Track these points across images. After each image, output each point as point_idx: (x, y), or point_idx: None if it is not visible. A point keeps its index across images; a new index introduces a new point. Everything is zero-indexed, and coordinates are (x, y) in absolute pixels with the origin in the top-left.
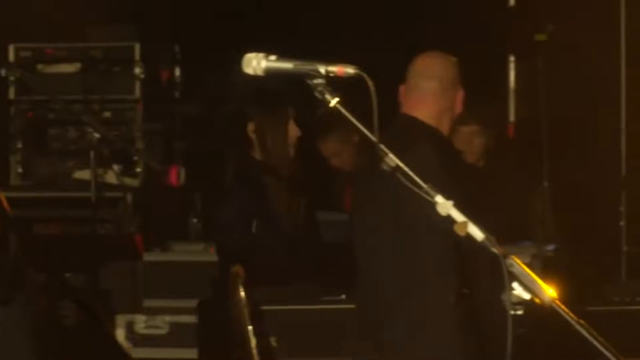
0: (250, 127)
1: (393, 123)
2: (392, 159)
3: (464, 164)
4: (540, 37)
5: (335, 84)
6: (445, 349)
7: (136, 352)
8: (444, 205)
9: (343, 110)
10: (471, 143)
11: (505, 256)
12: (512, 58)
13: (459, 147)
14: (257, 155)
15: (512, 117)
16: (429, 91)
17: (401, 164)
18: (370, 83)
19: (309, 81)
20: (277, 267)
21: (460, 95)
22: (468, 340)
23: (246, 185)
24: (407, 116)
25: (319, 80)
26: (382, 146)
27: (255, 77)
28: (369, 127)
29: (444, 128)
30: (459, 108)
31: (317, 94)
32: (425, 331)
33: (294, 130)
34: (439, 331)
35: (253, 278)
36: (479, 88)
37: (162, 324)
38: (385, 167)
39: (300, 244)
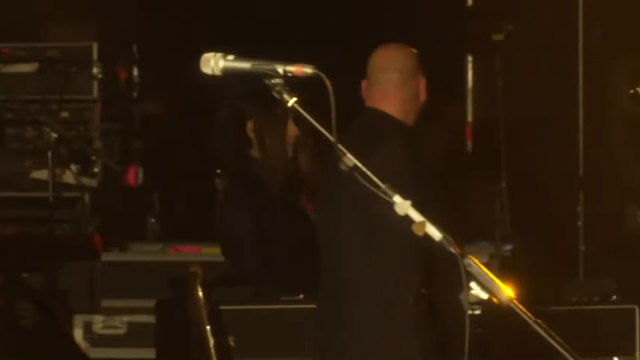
0: (249, 126)
1: (361, 117)
2: (350, 159)
3: (430, 160)
4: (498, 36)
5: (293, 83)
6: (405, 349)
7: (94, 352)
8: (402, 205)
9: (301, 110)
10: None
11: (463, 256)
12: (469, 58)
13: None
14: (256, 154)
15: (470, 118)
16: (390, 83)
17: (359, 164)
18: (328, 83)
19: (266, 81)
20: (283, 272)
21: (422, 83)
22: (427, 340)
23: (245, 184)
24: (375, 110)
25: (277, 80)
26: (340, 146)
27: (252, 76)
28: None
29: (410, 119)
30: (423, 96)
31: (275, 94)
32: (385, 331)
33: (292, 130)
34: (398, 331)
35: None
36: (437, 88)
37: (120, 324)
38: (343, 167)
39: (301, 244)
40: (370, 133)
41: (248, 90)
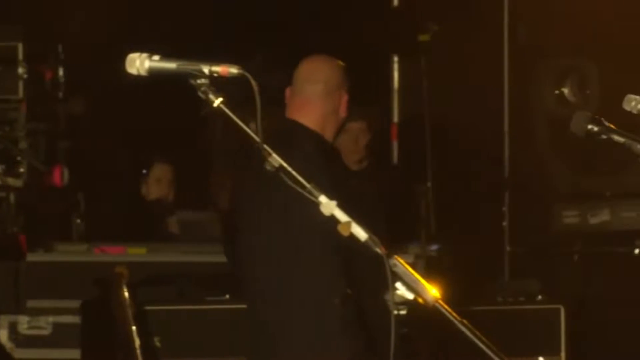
0: (252, 127)
1: (277, 127)
2: (276, 159)
3: (345, 168)
4: (424, 37)
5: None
6: (334, 349)
7: (19, 353)
8: (328, 205)
9: (227, 111)
10: (357, 141)
11: (389, 256)
12: (395, 58)
13: (347, 145)
14: None
15: (395, 118)
16: (313, 95)
17: (285, 164)
18: (253, 83)
19: (192, 81)
20: None
21: (344, 99)
22: (356, 340)
23: None
24: (290, 120)
25: (203, 81)
26: (266, 146)
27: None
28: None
29: (328, 132)
30: (343, 112)
31: (200, 94)
32: (314, 332)
33: None
34: (327, 331)
35: None
36: (363, 88)
37: (45, 325)
38: (268, 167)
39: None
40: (284, 141)
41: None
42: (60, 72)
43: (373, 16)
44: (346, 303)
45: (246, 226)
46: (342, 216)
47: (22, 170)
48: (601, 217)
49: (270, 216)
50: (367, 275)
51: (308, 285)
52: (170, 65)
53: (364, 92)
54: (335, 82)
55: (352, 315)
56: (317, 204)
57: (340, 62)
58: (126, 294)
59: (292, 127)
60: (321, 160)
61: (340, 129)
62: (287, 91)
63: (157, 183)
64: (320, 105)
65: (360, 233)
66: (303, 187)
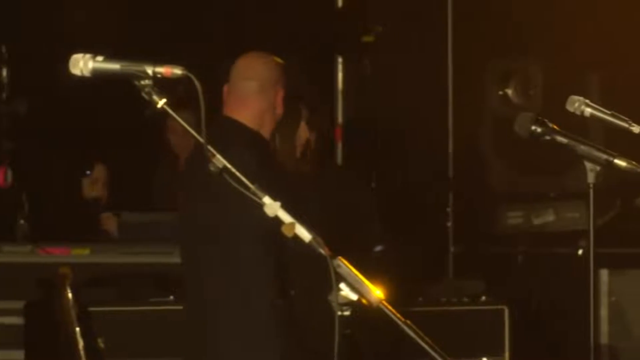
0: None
1: (214, 125)
2: (220, 160)
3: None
4: (368, 38)
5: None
6: (264, 350)
7: None
8: (272, 207)
9: (170, 112)
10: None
11: (333, 257)
12: (339, 59)
13: (293, 150)
14: None
15: (340, 119)
16: (248, 91)
17: (229, 165)
18: (197, 84)
19: (136, 82)
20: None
21: (280, 95)
22: (290, 342)
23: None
24: (226, 118)
25: (147, 82)
26: (210, 147)
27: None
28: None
29: (266, 129)
30: (279, 109)
31: (144, 95)
32: (246, 333)
33: (303, 132)
34: (259, 333)
35: None
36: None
37: None
38: (212, 168)
39: None
40: (220, 140)
41: None
42: (4, 72)
43: (317, 17)
44: (287, 304)
45: (183, 227)
46: (286, 217)
47: None
48: (545, 217)
49: (204, 217)
50: (311, 276)
51: (237, 286)
52: (114, 66)
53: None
54: (270, 79)
55: (286, 316)
56: (260, 205)
57: (277, 59)
58: (70, 294)
59: (228, 125)
60: (257, 159)
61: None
62: (225, 88)
63: (95, 183)
64: (256, 102)
65: (304, 234)
66: (247, 188)
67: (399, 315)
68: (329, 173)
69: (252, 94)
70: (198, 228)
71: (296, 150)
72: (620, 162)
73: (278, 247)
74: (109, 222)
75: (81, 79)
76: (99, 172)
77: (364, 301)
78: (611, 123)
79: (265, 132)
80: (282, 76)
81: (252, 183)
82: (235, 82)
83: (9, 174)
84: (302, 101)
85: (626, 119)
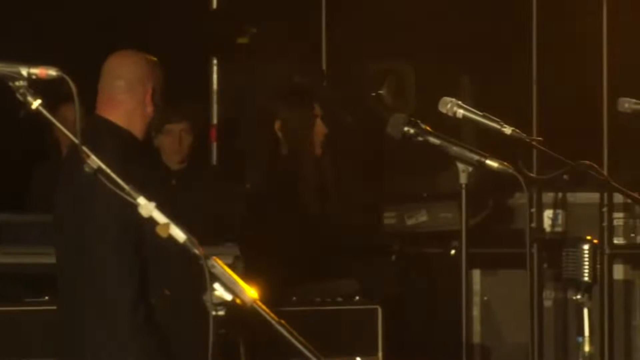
0: (277, 125)
1: (85, 125)
2: (95, 161)
3: (164, 167)
4: (242, 40)
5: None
6: (123, 350)
7: None
8: (147, 207)
9: (45, 113)
10: (181, 141)
11: (207, 257)
12: (214, 60)
13: (170, 146)
14: (285, 152)
15: (215, 119)
16: (116, 90)
17: (103, 166)
18: (72, 85)
19: (10, 84)
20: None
21: (149, 93)
22: (161, 342)
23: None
24: (96, 117)
25: (21, 83)
26: (85, 148)
27: (282, 76)
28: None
29: (136, 127)
30: (149, 107)
31: (19, 96)
32: (105, 333)
33: (320, 128)
34: (118, 333)
35: None
36: (184, 89)
37: None
38: (87, 169)
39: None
40: (89, 139)
41: (278, 89)
42: None
43: (192, 18)
44: (161, 303)
45: (55, 227)
46: (160, 218)
47: None
48: (418, 218)
49: (69, 216)
50: (186, 276)
51: (94, 287)
52: None
53: (184, 93)
54: (138, 77)
55: (158, 316)
56: (135, 206)
57: (149, 57)
58: None
59: (98, 124)
60: (125, 158)
61: (152, 126)
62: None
63: None
64: (124, 100)
65: (179, 234)
66: (122, 188)
67: (273, 315)
68: (205, 173)
69: (120, 92)
70: (67, 228)
71: (314, 147)
72: (492, 163)
73: (147, 248)
74: None
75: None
76: None
77: (238, 301)
78: (483, 124)
79: (136, 130)
80: (153, 74)
81: (127, 184)
82: (104, 81)
83: None
84: (314, 99)
85: (498, 120)
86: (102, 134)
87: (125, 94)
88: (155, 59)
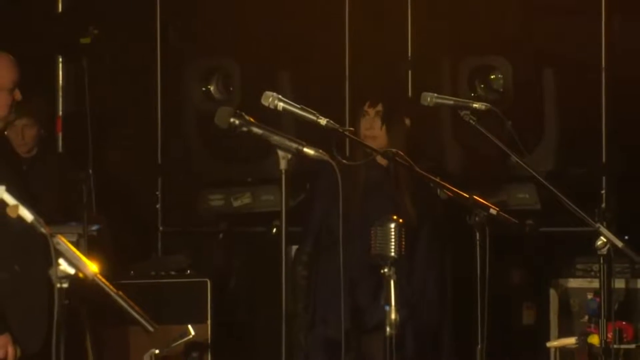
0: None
1: None
2: None
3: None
4: (85, 40)
5: None
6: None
7: None
8: None
9: None
10: (24, 135)
11: (53, 235)
12: (60, 58)
13: (15, 140)
14: None
15: (60, 111)
16: None
17: None
18: None
19: None
20: None
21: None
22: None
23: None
24: None
25: None
26: None
27: None
28: None
29: None
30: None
31: None
32: None
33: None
34: None
35: None
36: (33, 84)
37: None
38: None
39: None
40: None
41: None
42: None
43: (40, 20)
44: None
45: None
46: (10, 200)
47: None
48: (243, 200)
49: None
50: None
51: None
52: None
53: (33, 89)
54: None
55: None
56: None
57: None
58: None
59: None
60: None
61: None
62: None
63: None
64: None
65: (27, 215)
66: None
67: (112, 287)
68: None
69: None
70: None
71: None
72: (309, 151)
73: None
74: None
75: None
76: None
77: (80, 275)
78: (301, 116)
79: None
80: (11, 73)
81: None
82: None
83: None
84: None
85: (314, 112)
86: None
87: None
88: (9, 56)
